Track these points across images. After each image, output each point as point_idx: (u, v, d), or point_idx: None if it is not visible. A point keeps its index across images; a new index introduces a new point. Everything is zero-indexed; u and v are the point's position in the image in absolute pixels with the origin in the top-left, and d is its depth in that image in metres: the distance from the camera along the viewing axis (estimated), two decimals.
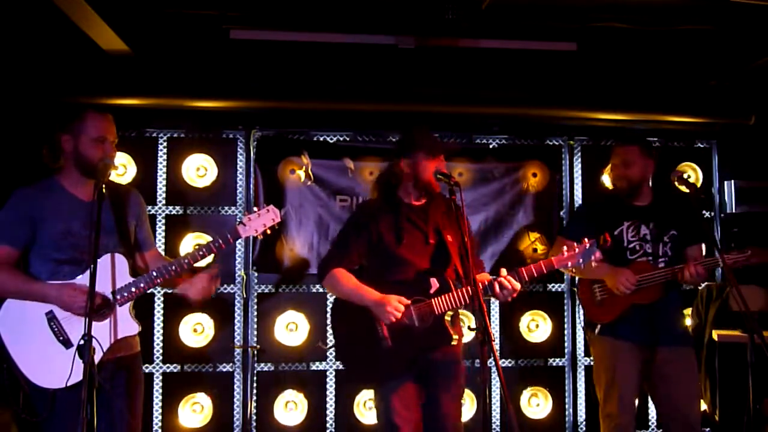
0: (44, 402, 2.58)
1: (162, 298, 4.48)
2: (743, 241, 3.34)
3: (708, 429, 4.79)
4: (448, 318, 2.97)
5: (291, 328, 4.60)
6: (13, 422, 3.48)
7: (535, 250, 4.80)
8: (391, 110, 4.59)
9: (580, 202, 4.90)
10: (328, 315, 4.62)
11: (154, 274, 2.70)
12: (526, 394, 4.80)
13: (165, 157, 4.58)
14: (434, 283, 2.92)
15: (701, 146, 5.09)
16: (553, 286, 4.89)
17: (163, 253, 4.48)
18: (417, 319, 2.91)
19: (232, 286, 4.61)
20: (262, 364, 4.58)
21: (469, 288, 2.85)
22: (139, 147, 4.54)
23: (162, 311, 4.48)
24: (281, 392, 4.57)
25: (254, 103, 4.47)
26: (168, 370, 4.48)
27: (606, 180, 4.94)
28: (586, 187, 4.92)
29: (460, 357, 3.13)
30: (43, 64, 4.22)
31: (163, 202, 4.56)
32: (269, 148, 4.62)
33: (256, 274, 4.61)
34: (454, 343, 2.98)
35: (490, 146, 4.90)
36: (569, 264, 2.96)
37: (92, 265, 2.37)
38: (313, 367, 4.63)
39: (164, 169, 4.58)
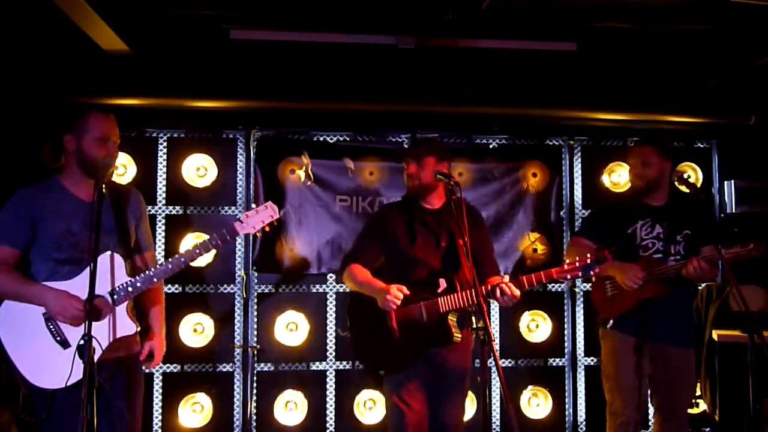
0: (43, 402, 2.57)
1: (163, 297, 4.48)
2: (743, 241, 3.34)
3: (708, 429, 4.80)
4: (453, 318, 3.09)
5: (291, 328, 4.60)
6: (13, 422, 3.48)
7: (535, 250, 4.80)
8: (391, 110, 4.60)
9: (580, 202, 4.91)
10: (328, 314, 4.65)
11: (151, 273, 2.70)
12: (526, 394, 4.81)
13: (165, 157, 4.58)
14: (442, 283, 3.08)
15: (701, 146, 5.09)
16: (553, 287, 4.89)
17: (163, 252, 4.49)
18: (425, 314, 3.08)
19: (232, 286, 4.61)
20: (262, 364, 4.58)
21: (473, 290, 2.94)
22: (139, 147, 4.54)
23: None
24: (281, 392, 4.58)
25: (254, 103, 4.48)
26: (168, 370, 4.48)
27: (606, 180, 4.95)
28: (586, 187, 4.92)
29: (467, 362, 3.26)
30: (44, 64, 4.22)
31: (163, 202, 4.56)
32: (269, 148, 4.62)
33: (256, 274, 4.61)
34: (456, 340, 3.08)
35: (490, 146, 4.90)
36: (568, 276, 3.03)
37: (92, 265, 2.36)
38: (313, 367, 4.63)
39: (164, 169, 4.58)
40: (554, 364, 4.85)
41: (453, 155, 4.66)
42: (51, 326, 2.60)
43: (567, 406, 4.84)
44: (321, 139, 4.73)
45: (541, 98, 4.69)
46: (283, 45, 4.10)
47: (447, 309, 3.06)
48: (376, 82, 4.62)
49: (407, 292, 3.05)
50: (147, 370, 3.00)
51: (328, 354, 4.63)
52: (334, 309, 4.65)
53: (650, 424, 4.68)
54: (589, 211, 3.72)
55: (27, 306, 2.60)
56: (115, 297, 2.64)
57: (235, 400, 4.54)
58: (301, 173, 4.61)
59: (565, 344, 4.86)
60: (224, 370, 4.57)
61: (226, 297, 4.60)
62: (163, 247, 4.52)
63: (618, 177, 4.95)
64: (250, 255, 4.59)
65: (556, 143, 4.94)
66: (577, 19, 3.86)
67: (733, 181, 4.94)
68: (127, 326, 2.68)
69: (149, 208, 4.48)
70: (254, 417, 4.41)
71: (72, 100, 4.23)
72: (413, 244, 3.21)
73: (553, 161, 4.89)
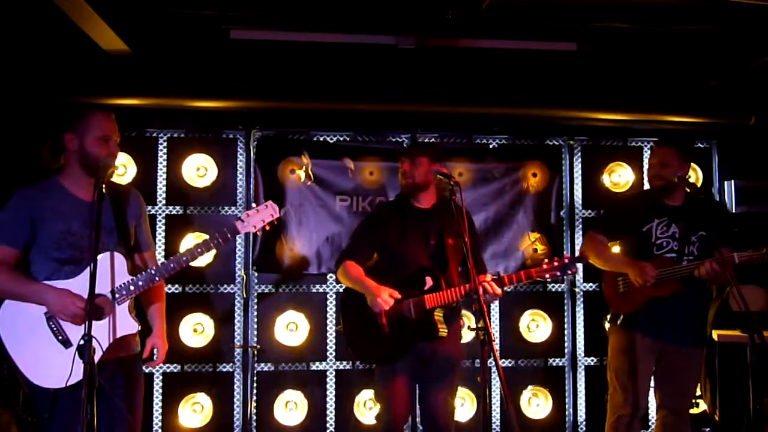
0: (44, 402, 2.57)
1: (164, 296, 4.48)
2: (743, 241, 3.35)
3: (708, 429, 4.79)
4: (440, 314, 3.24)
5: (291, 328, 4.60)
6: (13, 422, 3.48)
7: (535, 250, 4.80)
8: (391, 110, 4.60)
9: (580, 202, 4.91)
10: (328, 314, 4.65)
11: (153, 272, 2.70)
12: (526, 394, 4.80)
13: (165, 157, 4.58)
14: (429, 281, 3.23)
15: (701, 146, 5.09)
16: (553, 286, 4.89)
17: (163, 252, 4.49)
18: (413, 311, 3.22)
19: (232, 286, 4.61)
20: (262, 364, 4.58)
21: (460, 288, 3.16)
22: (139, 147, 4.54)
23: None
24: (281, 392, 4.58)
25: (254, 103, 4.48)
26: (168, 370, 4.48)
27: (606, 180, 4.95)
28: (586, 187, 4.93)
29: (457, 357, 3.40)
30: (44, 64, 4.22)
31: (163, 202, 4.56)
32: (269, 148, 4.62)
33: (256, 274, 4.61)
34: (442, 335, 3.21)
35: (490, 146, 4.90)
36: (547, 276, 3.17)
37: (92, 264, 2.36)
38: (313, 367, 4.63)
39: (164, 169, 4.58)
40: (554, 364, 4.85)
41: (453, 155, 4.74)
42: (52, 325, 2.60)
43: (567, 406, 4.84)
44: (321, 139, 4.73)
45: (541, 98, 4.69)
46: (283, 45, 4.10)
47: (433, 305, 3.20)
48: (376, 82, 4.62)
49: (398, 296, 3.19)
50: (149, 370, 3.00)
51: (328, 354, 4.63)
52: (334, 309, 4.65)
53: (651, 424, 4.70)
54: (610, 205, 3.78)
55: (28, 305, 2.60)
56: (117, 296, 2.65)
57: (235, 400, 4.54)
58: (301, 173, 4.61)
59: (565, 344, 4.86)
60: (224, 370, 4.57)
61: (226, 297, 4.60)
62: (163, 247, 4.52)
63: (618, 177, 4.96)
64: (250, 255, 4.59)
65: (556, 143, 4.94)
66: (577, 19, 3.86)
67: (733, 181, 4.94)
68: (128, 325, 2.69)
69: (149, 208, 4.48)
70: (254, 417, 4.41)
71: (72, 100, 4.24)
72: (403, 242, 3.34)
73: (553, 161, 4.89)
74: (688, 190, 3.44)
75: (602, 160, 4.97)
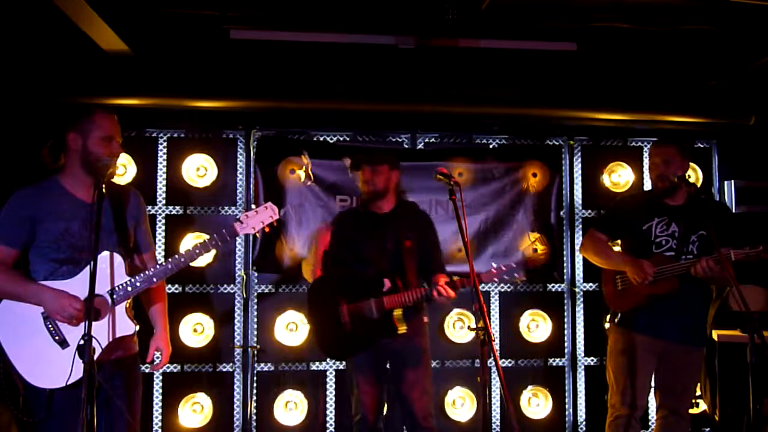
0: (41, 402, 2.57)
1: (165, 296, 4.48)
2: (743, 241, 3.34)
3: (708, 429, 4.80)
4: (398, 312, 3.41)
5: (291, 328, 4.60)
6: (13, 422, 3.48)
7: (535, 250, 4.80)
8: (391, 110, 4.60)
9: (580, 202, 4.91)
10: None
11: (151, 273, 2.70)
12: (526, 394, 4.81)
13: (165, 157, 4.58)
14: (387, 283, 3.40)
15: (701, 146, 5.09)
16: (553, 286, 4.89)
17: (163, 252, 4.49)
18: (375, 311, 3.39)
19: (232, 286, 4.61)
20: (262, 364, 4.58)
21: (417, 290, 3.34)
22: (139, 147, 4.54)
23: None
24: (281, 392, 4.58)
25: (254, 103, 4.48)
26: (168, 370, 4.48)
27: (606, 180, 4.95)
28: (586, 187, 4.93)
29: (424, 350, 3.56)
30: (44, 64, 4.22)
31: (163, 202, 4.56)
32: (269, 148, 4.62)
33: (256, 274, 4.61)
34: (400, 332, 3.39)
35: (490, 146, 4.90)
36: (496, 279, 3.32)
37: (92, 264, 2.36)
38: (313, 367, 4.63)
39: (164, 169, 4.58)
40: (554, 364, 4.85)
41: (453, 155, 4.74)
42: (50, 326, 2.60)
43: (567, 406, 4.84)
44: (321, 139, 4.73)
45: (541, 98, 4.69)
46: (283, 45, 4.10)
47: (391, 306, 3.38)
48: (376, 82, 4.62)
49: (388, 286, 3.39)
50: (153, 372, 2.99)
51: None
52: None
53: (651, 423, 4.70)
54: (612, 204, 3.80)
55: (26, 306, 2.60)
56: (115, 297, 2.64)
57: (235, 400, 4.55)
58: (301, 173, 4.61)
59: (565, 344, 4.86)
60: (224, 370, 4.57)
61: (226, 297, 4.60)
62: (163, 247, 4.52)
63: (618, 177, 4.96)
64: (250, 255, 4.59)
65: (556, 143, 4.94)
66: (577, 19, 3.86)
67: (733, 181, 4.94)
68: (126, 326, 2.68)
69: (149, 208, 4.48)
70: (254, 417, 4.41)
71: (72, 100, 4.23)
72: (362, 248, 3.52)
73: (553, 161, 4.89)
74: (688, 189, 3.44)
75: (602, 160, 4.97)
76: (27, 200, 2.66)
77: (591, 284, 4.85)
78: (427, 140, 4.86)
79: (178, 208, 4.58)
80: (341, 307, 3.45)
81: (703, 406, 4.71)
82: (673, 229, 3.49)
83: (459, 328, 4.76)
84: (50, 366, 2.55)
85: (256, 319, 4.60)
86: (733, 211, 4.87)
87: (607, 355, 3.66)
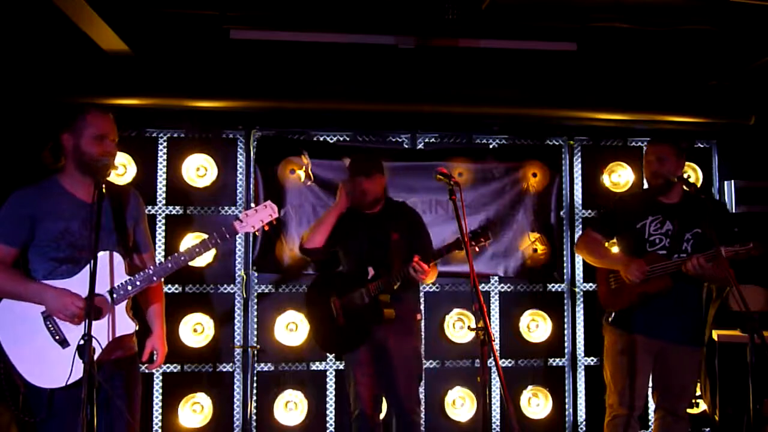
0: (41, 402, 2.57)
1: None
2: (738, 239, 3.34)
3: (708, 429, 4.80)
4: (385, 298, 3.55)
5: (291, 328, 4.60)
6: (13, 422, 3.48)
7: (535, 250, 4.80)
8: (391, 110, 4.59)
9: (580, 202, 4.91)
10: None
11: (150, 272, 2.70)
12: (526, 394, 4.81)
13: (165, 157, 4.58)
14: (371, 270, 3.56)
15: (701, 146, 5.09)
16: (553, 286, 4.89)
17: (163, 252, 4.49)
18: (365, 297, 3.55)
19: (232, 286, 4.61)
20: (262, 364, 4.58)
21: (395, 271, 3.47)
22: (139, 147, 4.54)
23: None
24: (281, 392, 4.58)
25: (254, 103, 4.47)
26: (168, 370, 4.48)
27: (606, 180, 4.95)
28: (586, 187, 4.93)
29: (415, 347, 3.68)
30: (43, 64, 4.22)
31: (163, 202, 4.56)
32: (269, 148, 4.62)
33: (256, 274, 4.61)
34: (388, 316, 3.53)
35: (490, 146, 4.90)
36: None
37: (92, 263, 2.36)
38: (313, 367, 4.63)
39: (164, 169, 4.58)
40: (554, 364, 4.85)
41: (453, 155, 4.75)
42: (50, 325, 2.60)
43: (567, 406, 4.84)
44: (321, 139, 4.73)
45: (541, 98, 4.69)
46: (283, 45, 4.10)
47: (376, 291, 3.52)
48: (376, 82, 4.61)
49: (372, 274, 3.55)
50: (149, 371, 3.00)
51: (328, 354, 4.63)
52: None
53: (650, 423, 4.70)
54: (608, 204, 3.83)
55: (25, 305, 2.60)
56: (115, 296, 2.64)
57: (235, 400, 4.55)
58: (301, 173, 4.60)
59: (565, 344, 4.86)
60: (224, 370, 4.57)
61: (226, 297, 4.60)
62: (163, 247, 4.52)
63: (618, 177, 4.96)
64: (250, 255, 4.59)
65: (556, 143, 4.94)
66: (577, 19, 3.86)
67: (733, 181, 4.94)
68: (126, 325, 2.69)
69: (149, 208, 4.48)
70: (254, 417, 4.41)
71: (72, 100, 4.23)
72: (354, 245, 3.70)
73: (553, 161, 4.89)
74: (688, 189, 3.44)
75: (602, 160, 4.97)
76: (27, 199, 2.66)
77: (591, 284, 4.85)
78: (427, 140, 4.86)
79: (178, 208, 4.58)
80: (333, 303, 3.64)
81: (703, 406, 4.71)
82: (667, 228, 3.48)
83: (459, 328, 4.76)
84: (50, 366, 2.55)
85: (256, 319, 4.60)
86: (733, 211, 4.88)
87: (603, 355, 3.67)
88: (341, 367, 4.63)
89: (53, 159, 2.74)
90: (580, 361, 4.84)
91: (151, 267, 2.72)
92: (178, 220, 4.57)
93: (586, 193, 4.92)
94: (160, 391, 4.48)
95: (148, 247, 2.96)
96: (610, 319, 3.60)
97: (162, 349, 2.95)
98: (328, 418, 4.61)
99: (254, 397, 4.45)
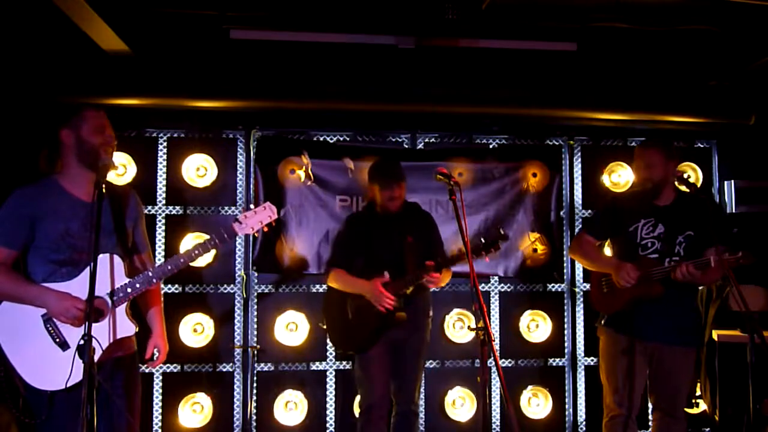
0: (42, 404, 2.57)
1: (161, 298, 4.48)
2: (743, 241, 3.34)
3: (708, 429, 4.80)
4: (398, 303, 3.57)
5: (291, 328, 4.60)
6: (13, 423, 3.47)
7: (535, 250, 4.80)
8: (391, 110, 4.60)
9: (580, 202, 4.91)
10: None
11: (150, 274, 2.70)
12: (526, 394, 4.81)
13: (165, 157, 4.58)
14: (386, 274, 3.59)
15: (701, 146, 5.09)
16: (553, 286, 4.89)
17: (163, 252, 4.49)
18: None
19: (232, 286, 4.61)
20: (262, 364, 4.58)
21: (409, 276, 3.54)
22: (139, 147, 4.54)
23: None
24: (281, 392, 4.58)
25: (254, 103, 4.47)
26: (168, 370, 4.48)
27: (606, 180, 4.95)
28: (586, 187, 4.93)
29: (423, 340, 3.76)
30: (43, 64, 4.22)
31: (163, 202, 4.56)
32: (269, 148, 4.62)
33: (256, 274, 4.61)
34: (399, 317, 3.55)
35: (490, 146, 4.90)
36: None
37: (92, 264, 2.36)
38: (313, 367, 4.64)
39: (164, 169, 4.58)
40: (554, 364, 4.85)
41: (453, 155, 4.76)
42: (50, 328, 2.59)
43: (567, 406, 4.84)
44: (321, 139, 4.73)
45: (541, 98, 4.69)
46: (283, 45, 4.10)
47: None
48: (376, 82, 4.61)
49: (387, 279, 3.58)
50: (149, 370, 3.00)
51: (328, 354, 4.63)
52: None
53: (650, 423, 4.69)
54: (601, 206, 3.80)
55: (25, 308, 2.59)
56: (115, 298, 2.64)
57: (235, 400, 4.55)
58: (301, 173, 4.61)
59: (565, 344, 4.86)
60: (224, 370, 4.57)
61: (226, 297, 4.60)
62: (163, 247, 4.52)
63: (618, 177, 4.96)
64: (250, 255, 4.59)
65: (556, 143, 4.94)
66: (577, 19, 3.86)
67: (733, 181, 4.94)
68: (126, 327, 2.68)
69: (149, 208, 4.48)
70: (254, 417, 4.42)
71: (71, 100, 4.23)
72: (371, 245, 3.73)
73: (553, 161, 4.89)
74: (688, 189, 3.42)
75: (602, 160, 4.97)
76: (27, 199, 2.65)
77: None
78: (427, 140, 4.86)
79: (178, 208, 4.58)
80: (349, 304, 3.70)
81: (703, 406, 4.71)
82: (659, 231, 3.46)
83: (459, 328, 4.76)
84: (51, 368, 2.55)
85: (256, 319, 4.60)
86: (733, 211, 4.87)
87: (599, 356, 3.66)
88: (341, 367, 4.64)
89: (49, 165, 2.74)
90: (580, 361, 4.84)
91: (151, 269, 2.72)
92: (178, 220, 4.57)
93: (586, 193, 4.92)
94: (160, 391, 4.48)
95: (146, 247, 2.96)
96: (603, 322, 3.60)
97: (164, 347, 2.97)
98: (328, 418, 4.62)
99: (254, 397, 4.45)
